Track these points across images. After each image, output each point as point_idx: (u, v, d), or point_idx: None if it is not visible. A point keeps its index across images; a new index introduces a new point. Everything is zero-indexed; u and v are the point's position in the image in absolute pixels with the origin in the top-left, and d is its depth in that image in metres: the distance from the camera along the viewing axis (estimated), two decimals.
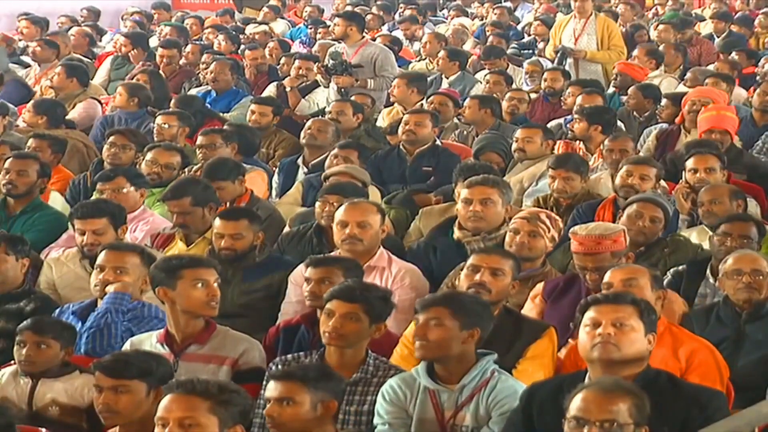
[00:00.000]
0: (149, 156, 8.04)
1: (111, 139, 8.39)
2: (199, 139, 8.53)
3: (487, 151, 8.44)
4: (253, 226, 6.42)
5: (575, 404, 4.05)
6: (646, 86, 10.18)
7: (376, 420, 4.76)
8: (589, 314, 4.54)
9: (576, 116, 8.88)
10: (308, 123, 8.99)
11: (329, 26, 14.50)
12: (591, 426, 3.99)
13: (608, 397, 4.03)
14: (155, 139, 8.95)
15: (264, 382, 5.03)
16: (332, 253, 6.29)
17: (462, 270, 5.65)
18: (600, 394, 4.04)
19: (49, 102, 9.98)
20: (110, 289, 5.70)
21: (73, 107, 10.40)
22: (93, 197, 7.83)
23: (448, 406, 4.69)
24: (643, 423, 4.04)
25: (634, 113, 9.87)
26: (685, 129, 9.01)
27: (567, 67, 11.36)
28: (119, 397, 4.62)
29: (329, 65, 10.73)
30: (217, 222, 6.45)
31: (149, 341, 5.36)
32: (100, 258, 5.83)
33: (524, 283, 5.81)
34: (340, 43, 11.13)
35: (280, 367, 5.03)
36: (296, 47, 14.29)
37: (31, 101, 10.03)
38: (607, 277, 5.35)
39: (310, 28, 15.14)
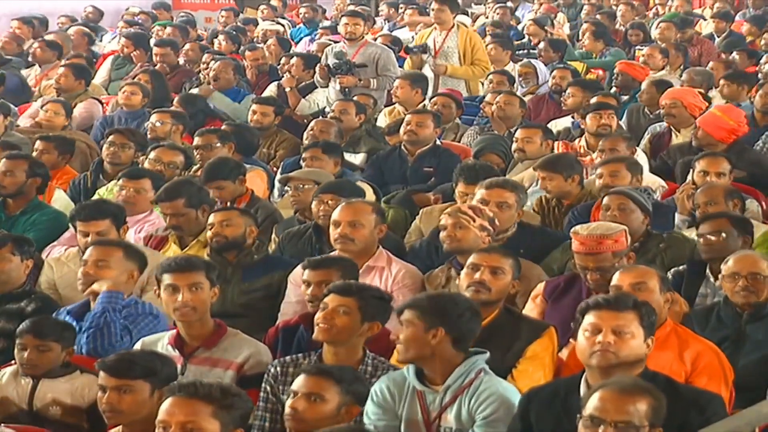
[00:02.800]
0: (152, 155, 8.06)
1: (110, 138, 8.41)
2: (196, 140, 8.52)
3: (487, 152, 8.44)
4: (243, 218, 6.45)
5: (592, 403, 4.01)
6: (660, 81, 10.07)
7: (364, 419, 4.75)
8: (589, 319, 4.49)
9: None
10: (311, 124, 8.99)
11: (332, 26, 14.52)
12: (606, 426, 3.96)
13: (626, 397, 3.99)
14: (148, 136, 8.98)
15: (264, 384, 5.05)
16: (332, 253, 6.30)
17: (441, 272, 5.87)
18: (618, 394, 4.00)
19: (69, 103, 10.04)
20: (102, 288, 5.67)
21: (74, 107, 10.41)
22: (96, 196, 7.88)
23: (433, 408, 4.68)
24: (659, 424, 4.01)
25: (645, 109, 9.83)
26: (675, 129, 9.00)
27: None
28: (123, 397, 4.61)
29: (333, 65, 10.68)
30: (209, 217, 6.51)
31: (161, 342, 5.36)
32: (86, 253, 5.83)
33: None
34: (337, 42, 11.10)
35: (279, 368, 5.05)
36: (303, 45, 14.29)
37: (57, 101, 9.97)
38: (615, 279, 5.31)
39: (321, 29, 15.04)
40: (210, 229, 6.45)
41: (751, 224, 6.37)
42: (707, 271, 6.12)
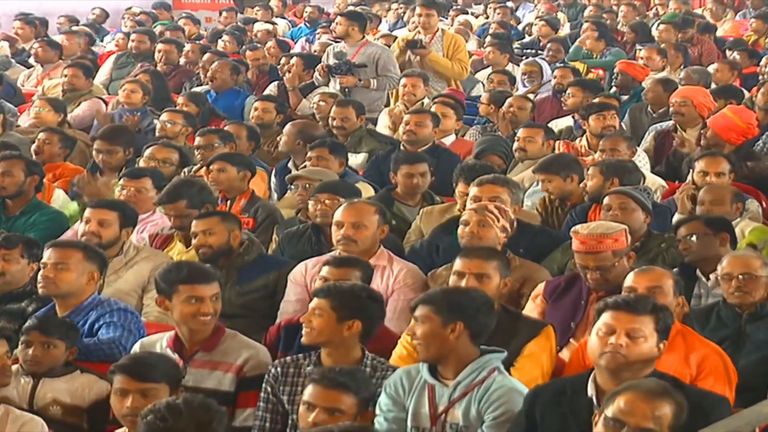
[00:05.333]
0: (147, 152, 8.10)
1: (96, 146, 8.42)
2: (197, 140, 8.52)
3: (488, 153, 8.44)
4: (225, 224, 6.38)
5: (617, 404, 3.98)
6: (666, 80, 10.06)
7: (377, 410, 4.72)
8: (605, 318, 4.46)
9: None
10: (287, 126, 8.97)
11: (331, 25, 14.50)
12: (628, 430, 3.94)
13: (652, 402, 3.96)
14: (157, 135, 8.97)
15: (265, 384, 5.04)
16: (332, 252, 6.29)
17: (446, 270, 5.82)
18: (644, 397, 3.97)
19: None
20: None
21: (77, 106, 10.42)
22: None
23: (441, 402, 4.65)
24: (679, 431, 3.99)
25: (648, 108, 9.82)
26: (681, 128, 9.00)
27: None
28: (148, 401, 4.52)
29: (333, 65, 10.66)
30: (192, 224, 6.47)
31: (159, 345, 5.34)
32: (45, 255, 5.80)
33: None
34: (338, 42, 11.07)
35: (279, 369, 5.03)
36: (299, 46, 14.28)
37: (49, 100, 9.94)
38: (630, 281, 5.27)
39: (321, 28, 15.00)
40: (194, 238, 6.39)
41: (728, 222, 6.38)
42: (697, 272, 6.14)
